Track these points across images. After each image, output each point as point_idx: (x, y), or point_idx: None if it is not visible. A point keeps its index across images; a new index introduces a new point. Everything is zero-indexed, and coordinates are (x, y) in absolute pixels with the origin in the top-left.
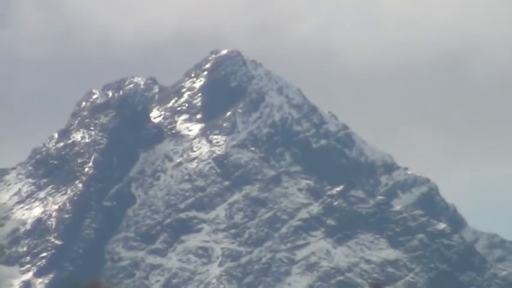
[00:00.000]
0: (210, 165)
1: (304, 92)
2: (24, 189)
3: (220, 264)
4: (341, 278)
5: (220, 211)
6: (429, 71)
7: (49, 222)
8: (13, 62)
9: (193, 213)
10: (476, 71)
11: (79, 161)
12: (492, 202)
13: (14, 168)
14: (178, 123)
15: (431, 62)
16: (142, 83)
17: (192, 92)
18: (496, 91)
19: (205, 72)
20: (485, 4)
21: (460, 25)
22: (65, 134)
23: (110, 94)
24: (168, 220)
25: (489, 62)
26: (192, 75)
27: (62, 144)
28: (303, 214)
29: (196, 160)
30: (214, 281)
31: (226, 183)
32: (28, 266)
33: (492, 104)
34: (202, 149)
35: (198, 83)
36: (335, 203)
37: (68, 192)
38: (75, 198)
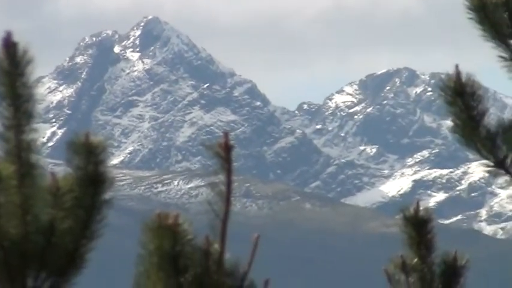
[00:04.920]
0: (141, 73)
1: (191, 37)
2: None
3: (148, 122)
4: (208, 129)
5: (149, 96)
6: (265, 24)
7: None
8: None
9: (139, 95)
10: (291, 25)
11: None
12: (285, 92)
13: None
14: (128, 53)
15: (264, 19)
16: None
17: (134, 37)
18: (303, 30)
19: (140, 30)
20: None
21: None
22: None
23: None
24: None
25: (301, 20)
26: (135, 28)
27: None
28: (189, 97)
29: (136, 71)
30: (147, 128)
31: (151, 82)
32: (53, 121)
33: (297, 40)
34: (140, 65)
35: (137, 33)
36: (205, 92)
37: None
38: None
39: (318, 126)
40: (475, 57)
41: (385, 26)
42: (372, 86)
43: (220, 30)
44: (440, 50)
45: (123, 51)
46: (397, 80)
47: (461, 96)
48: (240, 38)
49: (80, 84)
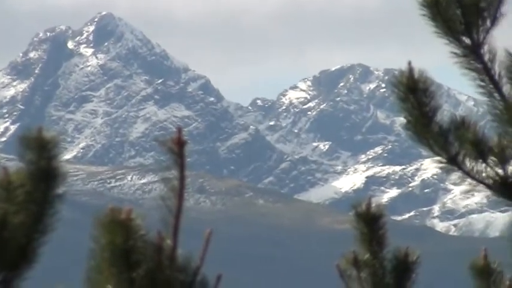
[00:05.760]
0: (95, 68)
1: (145, 33)
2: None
3: (102, 117)
4: (162, 125)
5: (103, 91)
6: (220, 20)
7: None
8: None
9: (93, 90)
10: (247, 21)
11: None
12: (239, 88)
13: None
14: (81, 48)
15: (219, 15)
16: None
17: (88, 33)
18: (259, 27)
19: (94, 26)
20: None
21: None
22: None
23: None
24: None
25: (258, 16)
26: (89, 24)
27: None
28: (143, 93)
29: (90, 66)
30: (100, 123)
31: (105, 78)
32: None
33: (252, 36)
34: (94, 61)
35: (91, 29)
36: (159, 87)
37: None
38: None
39: (272, 123)
40: (429, 53)
41: (340, 23)
42: (325, 82)
43: (175, 26)
44: (395, 47)
45: (77, 47)
46: (350, 76)
47: (414, 92)
48: (194, 34)
49: (33, 79)
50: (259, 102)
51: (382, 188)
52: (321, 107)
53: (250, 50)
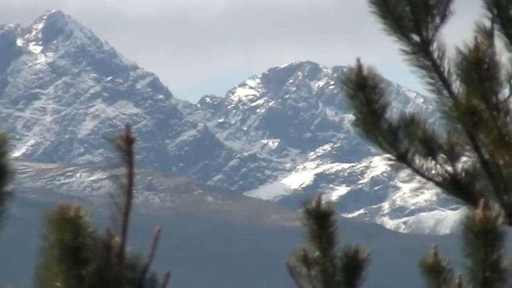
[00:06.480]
0: (44, 66)
1: (94, 31)
2: None
3: (51, 115)
4: (110, 122)
5: (52, 89)
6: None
7: None
8: None
9: (42, 88)
10: (197, 18)
11: None
12: (188, 85)
13: None
14: (30, 46)
15: (169, 12)
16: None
17: (37, 31)
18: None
19: (42, 24)
20: None
21: None
22: None
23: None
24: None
25: (208, 13)
26: (38, 21)
27: None
28: (92, 90)
29: (39, 64)
30: (49, 121)
31: (54, 75)
32: None
33: (201, 33)
34: (43, 59)
35: (40, 26)
36: (108, 85)
37: None
38: None
39: (221, 120)
40: (379, 50)
41: (289, 20)
42: (274, 79)
43: (124, 24)
44: (344, 44)
45: (25, 45)
46: (299, 73)
47: (363, 89)
48: (143, 32)
49: None
50: (208, 99)
51: (332, 185)
52: (270, 104)
53: (199, 47)
